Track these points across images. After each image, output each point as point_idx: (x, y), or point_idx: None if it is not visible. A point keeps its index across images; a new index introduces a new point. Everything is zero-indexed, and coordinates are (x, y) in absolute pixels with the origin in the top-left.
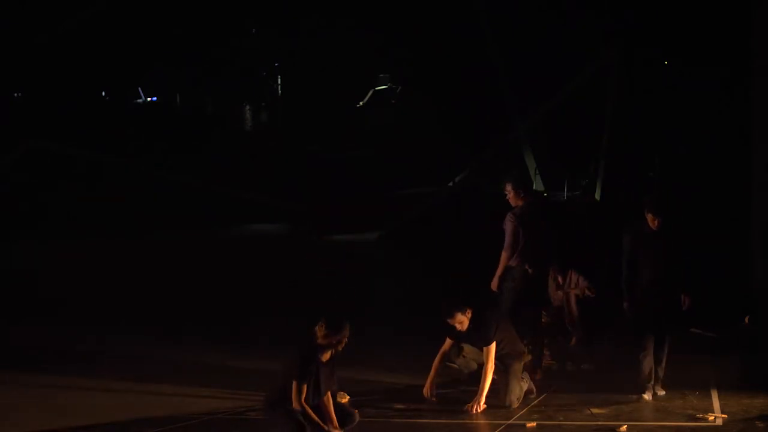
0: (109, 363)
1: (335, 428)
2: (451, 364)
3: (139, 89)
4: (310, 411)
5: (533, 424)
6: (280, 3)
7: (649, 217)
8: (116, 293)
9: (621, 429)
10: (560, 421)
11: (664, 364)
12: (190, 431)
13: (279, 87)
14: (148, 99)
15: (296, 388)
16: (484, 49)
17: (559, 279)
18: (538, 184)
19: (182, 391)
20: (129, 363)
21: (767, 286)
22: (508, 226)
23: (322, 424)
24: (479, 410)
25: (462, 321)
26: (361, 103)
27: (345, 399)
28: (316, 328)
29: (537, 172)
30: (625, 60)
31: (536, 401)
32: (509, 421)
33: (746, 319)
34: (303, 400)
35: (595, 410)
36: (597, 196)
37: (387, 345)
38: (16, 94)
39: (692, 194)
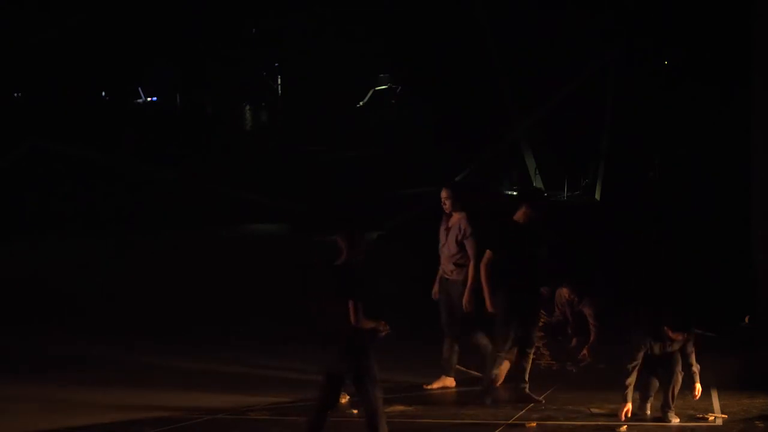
0: (109, 363)
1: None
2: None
3: (139, 89)
4: (368, 322)
5: (533, 424)
6: (281, 3)
7: (678, 338)
8: (116, 293)
9: (621, 429)
10: (560, 421)
11: (672, 393)
12: (190, 431)
13: (279, 87)
14: (148, 99)
15: (354, 307)
16: (484, 49)
17: (575, 299)
18: (538, 184)
19: (182, 391)
20: (129, 363)
21: (767, 284)
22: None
23: (377, 325)
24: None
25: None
26: (361, 103)
27: (345, 399)
28: (337, 238)
29: (537, 172)
30: (625, 60)
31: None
32: (509, 421)
33: (746, 319)
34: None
35: (595, 410)
36: (597, 196)
37: (386, 345)
38: (16, 94)
39: (691, 194)
